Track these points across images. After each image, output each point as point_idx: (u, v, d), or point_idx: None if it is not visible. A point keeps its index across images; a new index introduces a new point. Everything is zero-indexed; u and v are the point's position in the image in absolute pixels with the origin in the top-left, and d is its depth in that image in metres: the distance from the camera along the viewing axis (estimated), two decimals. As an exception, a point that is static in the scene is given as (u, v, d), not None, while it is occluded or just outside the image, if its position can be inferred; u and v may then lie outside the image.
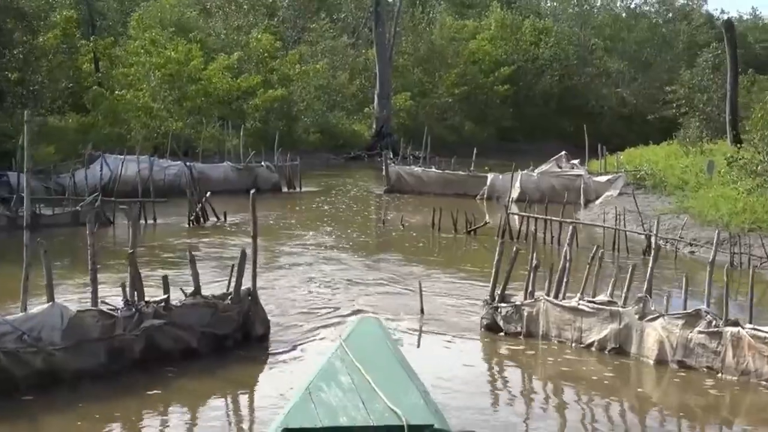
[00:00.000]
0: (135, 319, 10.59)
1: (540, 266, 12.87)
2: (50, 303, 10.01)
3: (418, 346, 12.45)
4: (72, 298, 13.02)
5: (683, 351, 11.15)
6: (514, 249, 12.72)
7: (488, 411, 9.96)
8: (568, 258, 12.40)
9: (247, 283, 11.84)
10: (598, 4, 73.47)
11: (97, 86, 38.83)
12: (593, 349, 11.85)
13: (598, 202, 27.05)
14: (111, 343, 10.38)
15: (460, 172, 31.33)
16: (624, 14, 73.74)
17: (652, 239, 16.10)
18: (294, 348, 11.91)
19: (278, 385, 10.28)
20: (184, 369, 10.76)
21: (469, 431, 8.09)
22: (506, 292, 12.84)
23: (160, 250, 18.82)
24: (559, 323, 12.21)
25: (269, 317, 12.39)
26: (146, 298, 10.91)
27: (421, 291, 13.96)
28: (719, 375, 10.86)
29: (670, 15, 74.96)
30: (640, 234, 19.90)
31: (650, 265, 12.11)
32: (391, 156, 36.72)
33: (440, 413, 6.99)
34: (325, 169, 40.15)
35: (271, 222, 23.56)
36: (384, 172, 32.01)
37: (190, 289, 11.46)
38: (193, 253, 12.16)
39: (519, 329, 12.53)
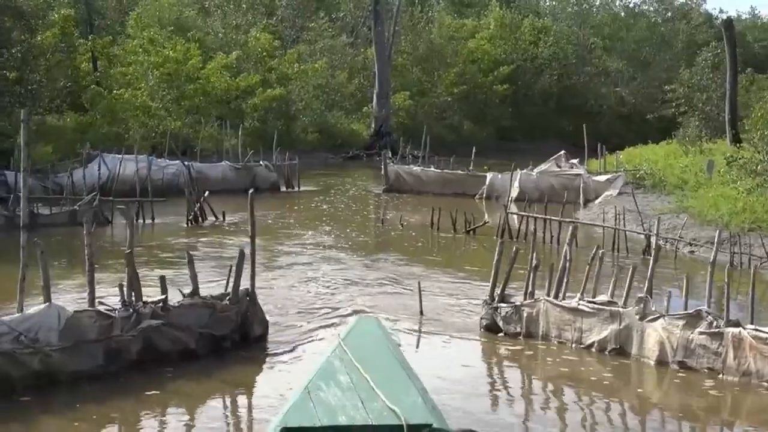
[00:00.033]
0: (132, 319, 10.53)
1: (540, 266, 12.82)
2: (47, 303, 9.96)
3: (417, 346, 12.40)
4: (69, 298, 12.98)
5: (684, 352, 11.09)
6: (514, 249, 12.67)
7: (487, 412, 9.90)
8: (568, 258, 12.35)
9: (245, 284, 11.79)
10: (597, 3, 73.61)
11: (95, 85, 38.82)
12: (593, 349, 11.80)
13: (597, 201, 27.01)
14: (108, 344, 10.32)
15: (459, 172, 31.29)
16: (623, 13, 73.84)
17: (652, 239, 16.05)
18: (293, 348, 11.85)
19: (277, 385, 10.23)
20: (182, 370, 10.71)
21: (468, 430, 8.03)
22: (506, 292, 12.79)
23: (158, 250, 18.77)
24: (559, 324, 12.15)
25: (268, 317, 12.34)
26: (144, 299, 10.86)
27: (420, 291, 13.91)
28: (720, 376, 10.80)
29: (669, 14, 75.03)
30: (640, 234, 19.85)
31: (651, 265, 12.06)
32: (390, 155, 36.74)
33: (439, 412, 6.96)
34: (323, 169, 40.15)
35: (270, 221, 23.52)
36: (383, 172, 31.96)
37: (188, 290, 11.41)
38: (191, 253, 12.11)
39: (519, 330, 12.48)
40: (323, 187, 33.04)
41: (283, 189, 30.93)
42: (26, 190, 10.88)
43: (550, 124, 58.51)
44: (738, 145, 30.72)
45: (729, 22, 40.30)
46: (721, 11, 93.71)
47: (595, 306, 11.85)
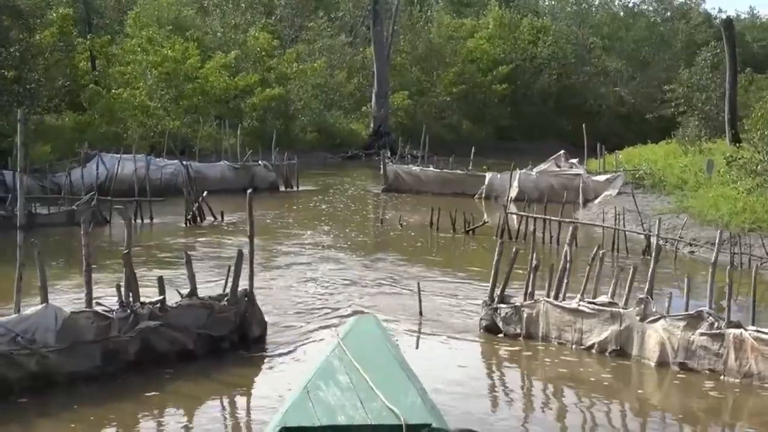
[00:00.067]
0: (130, 320, 10.48)
1: (540, 266, 12.77)
2: (44, 304, 9.90)
3: (417, 347, 12.35)
4: (67, 298, 12.91)
5: (685, 353, 11.05)
6: (514, 249, 12.62)
7: (487, 412, 9.85)
8: (568, 258, 12.30)
9: (244, 284, 11.73)
10: (596, 2, 73.62)
11: (93, 85, 38.76)
12: (594, 351, 11.75)
13: (597, 201, 26.97)
14: (106, 345, 10.27)
15: (459, 171, 31.24)
16: (622, 13, 73.86)
17: (652, 239, 16.00)
18: (291, 349, 11.81)
19: (275, 386, 10.17)
20: (180, 371, 10.66)
21: (467, 430, 7.98)
22: (505, 292, 12.73)
23: (156, 250, 18.72)
24: (559, 325, 12.10)
25: (266, 318, 12.28)
26: (142, 299, 10.81)
27: (419, 291, 13.86)
28: (721, 377, 10.76)
29: (669, 14, 75.06)
30: (640, 234, 19.81)
31: (651, 265, 12.00)
32: (389, 155, 36.66)
33: (438, 412, 6.95)
34: (322, 168, 40.11)
35: (269, 221, 23.47)
36: (382, 171, 31.92)
37: (186, 290, 11.36)
38: (189, 253, 12.07)
39: (518, 331, 12.43)
40: (322, 186, 33.00)
41: (282, 189, 30.90)
42: (24, 189, 10.84)
43: (549, 123, 58.50)
44: (738, 144, 30.71)
45: (728, 22, 40.32)
46: (720, 11, 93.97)
47: (596, 307, 11.80)
